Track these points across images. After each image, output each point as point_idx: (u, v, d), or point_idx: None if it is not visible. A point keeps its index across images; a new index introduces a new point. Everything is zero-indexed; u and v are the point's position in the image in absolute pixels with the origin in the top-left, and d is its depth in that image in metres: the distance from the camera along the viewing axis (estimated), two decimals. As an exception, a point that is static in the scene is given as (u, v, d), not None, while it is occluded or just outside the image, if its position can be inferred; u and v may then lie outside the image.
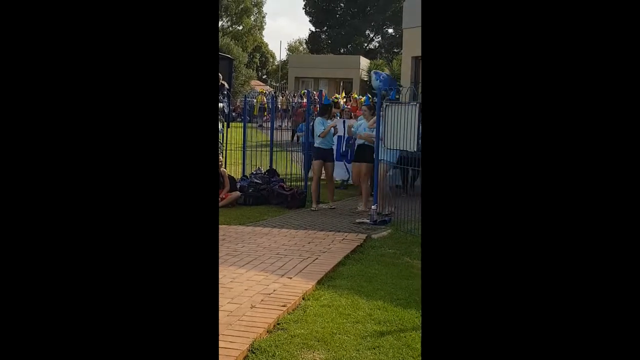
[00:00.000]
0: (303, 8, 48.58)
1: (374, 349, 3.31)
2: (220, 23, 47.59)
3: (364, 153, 8.17)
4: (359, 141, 8.37)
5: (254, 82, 41.73)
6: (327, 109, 8.91)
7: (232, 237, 6.15)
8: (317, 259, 5.24)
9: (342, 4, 47.82)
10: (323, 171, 8.38)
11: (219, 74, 10.08)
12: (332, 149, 8.53)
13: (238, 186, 8.78)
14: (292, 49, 56.92)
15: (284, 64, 45.50)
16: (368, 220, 7.16)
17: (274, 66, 50.68)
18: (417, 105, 6.58)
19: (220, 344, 3.23)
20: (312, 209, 8.17)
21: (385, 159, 7.45)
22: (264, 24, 51.08)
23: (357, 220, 7.24)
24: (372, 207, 7.29)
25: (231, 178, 8.78)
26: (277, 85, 42.70)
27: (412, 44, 15.92)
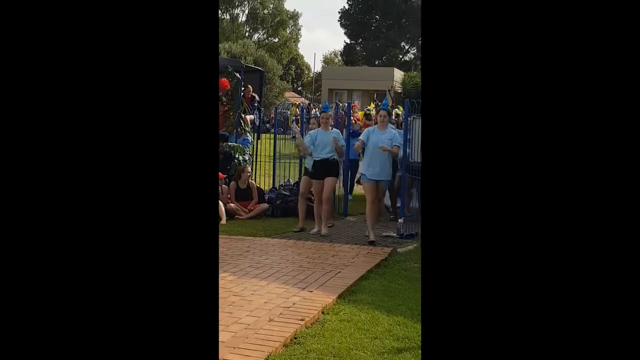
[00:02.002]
0: (338, 20, 48.83)
1: (390, 366, 3.26)
2: (256, 35, 48.18)
3: (329, 168, 7.13)
4: (322, 155, 7.11)
5: (289, 94, 42.00)
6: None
7: (256, 248, 6.17)
8: (339, 272, 5.20)
9: (377, 16, 47.89)
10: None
11: (249, 86, 10.18)
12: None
13: (266, 198, 8.81)
14: (327, 61, 57.20)
15: (319, 75, 45.73)
16: (395, 234, 7.11)
17: (309, 78, 50.98)
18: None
19: (236, 357, 3.24)
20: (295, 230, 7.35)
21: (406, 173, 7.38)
22: (299, 36, 51.65)
23: (384, 234, 7.18)
24: (400, 220, 7.23)
25: (259, 190, 8.82)
26: (312, 97, 42.92)
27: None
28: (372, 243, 6.55)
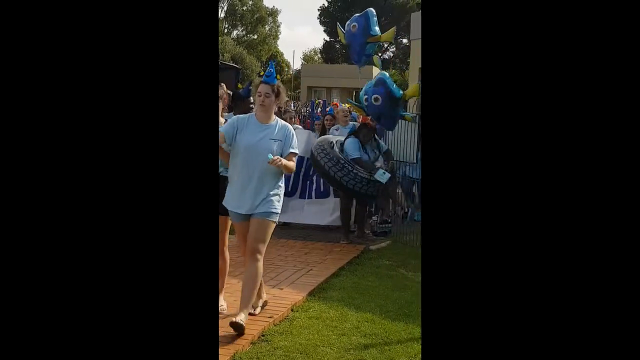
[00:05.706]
0: (318, 18, 48.78)
1: (356, 362, 3.29)
2: (234, 32, 47.94)
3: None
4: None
5: (268, 91, 41.74)
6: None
7: (230, 246, 6.15)
8: (311, 269, 5.23)
9: (356, 14, 47.89)
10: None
11: (223, 84, 10.13)
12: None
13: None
14: (307, 59, 57.10)
15: (298, 73, 45.70)
16: (369, 232, 7.14)
17: (288, 75, 50.87)
18: (417, 117, 6.68)
19: (202, 355, 3.24)
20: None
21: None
22: (279, 33, 51.41)
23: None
24: (374, 217, 7.27)
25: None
26: (291, 94, 42.85)
27: (420, 56, 15.94)
28: (235, 326, 3.48)
